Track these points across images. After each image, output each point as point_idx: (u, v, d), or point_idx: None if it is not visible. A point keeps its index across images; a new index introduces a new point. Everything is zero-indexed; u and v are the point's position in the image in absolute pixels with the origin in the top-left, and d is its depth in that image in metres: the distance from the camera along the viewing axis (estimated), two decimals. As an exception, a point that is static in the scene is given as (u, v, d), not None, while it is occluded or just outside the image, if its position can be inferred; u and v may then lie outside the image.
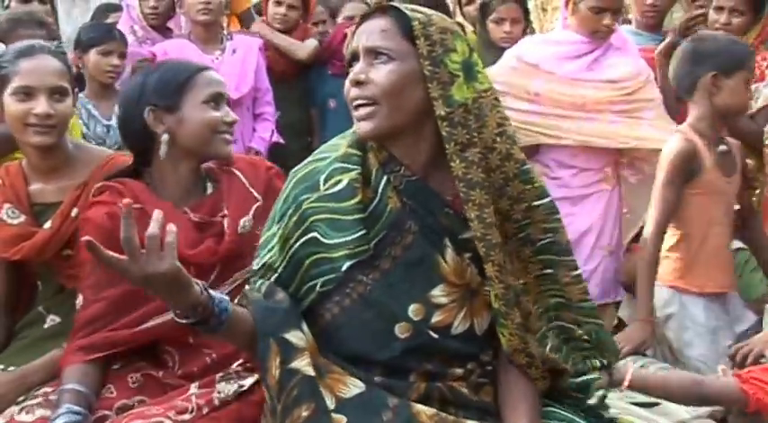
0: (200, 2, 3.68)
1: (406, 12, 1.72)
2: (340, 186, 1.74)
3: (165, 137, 2.08)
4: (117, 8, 4.08)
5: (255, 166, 2.22)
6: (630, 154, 3.31)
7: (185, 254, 1.94)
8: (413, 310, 1.73)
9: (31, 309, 2.34)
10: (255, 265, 1.83)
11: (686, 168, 2.85)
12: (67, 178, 2.26)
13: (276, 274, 1.78)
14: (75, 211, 2.21)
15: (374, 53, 1.71)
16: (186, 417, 1.86)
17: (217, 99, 2.14)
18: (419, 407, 1.70)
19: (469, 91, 1.70)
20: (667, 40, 3.47)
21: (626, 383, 2.29)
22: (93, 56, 3.55)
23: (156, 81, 2.13)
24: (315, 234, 1.75)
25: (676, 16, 3.98)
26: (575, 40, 3.27)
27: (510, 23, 3.73)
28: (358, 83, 1.71)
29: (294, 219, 1.77)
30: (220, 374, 1.97)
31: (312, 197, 1.76)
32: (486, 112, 1.71)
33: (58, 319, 2.30)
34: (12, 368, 2.19)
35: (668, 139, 2.97)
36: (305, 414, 1.66)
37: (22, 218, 2.24)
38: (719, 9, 3.53)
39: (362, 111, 1.71)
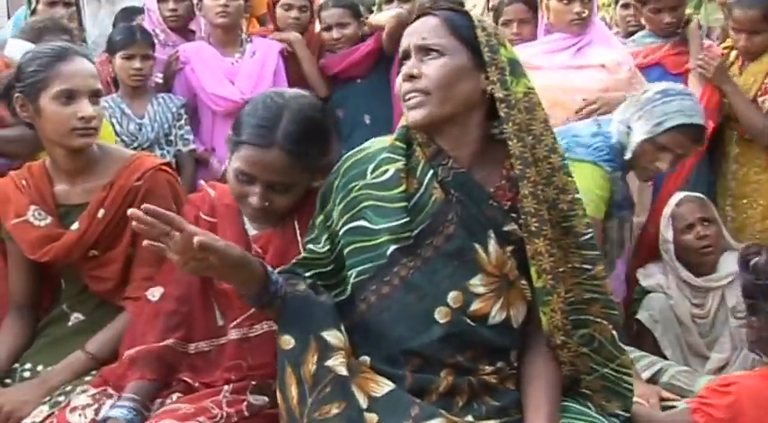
0: (218, 5, 3.66)
1: (457, 9, 1.84)
2: (386, 176, 1.84)
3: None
4: (139, 11, 4.08)
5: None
6: None
7: (226, 289, 2.01)
8: (452, 298, 1.79)
9: (54, 307, 2.37)
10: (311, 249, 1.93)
11: None
12: (92, 180, 2.27)
13: (328, 265, 1.90)
14: (101, 212, 2.23)
15: (425, 50, 1.81)
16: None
17: None
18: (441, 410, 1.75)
19: (520, 85, 1.80)
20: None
21: None
22: (118, 60, 3.59)
23: None
24: (361, 221, 1.84)
25: (713, 18, 3.96)
26: (556, 38, 3.39)
27: (517, 24, 3.69)
28: (411, 77, 1.80)
29: (342, 205, 1.88)
30: (254, 383, 1.97)
31: (359, 184, 1.86)
32: (535, 107, 1.81)
33: (81, 317, 2.33)
34: (40, 367, 2.23)
35: None
36: (335, 411, 1.71)
37: (49, 219, 2.26)
38: (738, 31, 3.50)
39: (413, 100, 1.80)
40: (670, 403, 2.55)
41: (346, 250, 1.86)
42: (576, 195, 1.83)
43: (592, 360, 1.86)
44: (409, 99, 1.81)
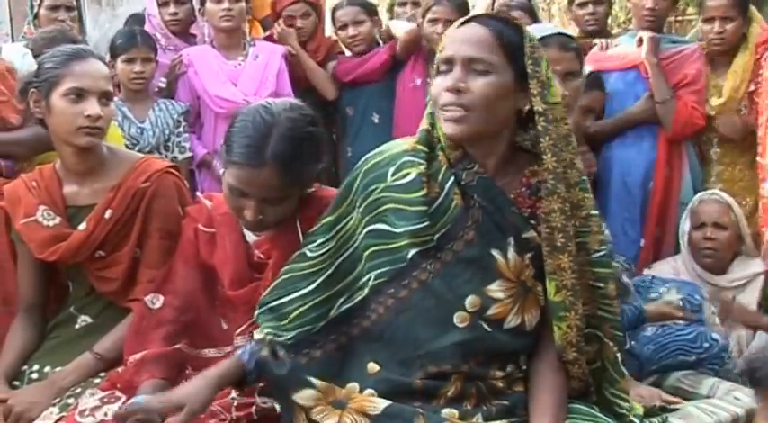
0: (221, 9, 3.66)
1: (510, 20, 1.80)
2: (408, 179, 1.82)
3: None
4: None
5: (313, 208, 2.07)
6: None
7: (229, 296, 2.04)
8: (470, 302, 1.79)
9: (61, 309, 2.38)
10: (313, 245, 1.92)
11: None
12: (101, 181, 2.29)
13: (327, 270, 1.89)
14: (108, 213, 2.25)
15: (472, 63, 1.76)
16: None
17: None
18: (447, 410, 1.76)
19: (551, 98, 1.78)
20: (647, 38, 3.50)
21: None
22: (119, 64, 3.58)
23: None
24: (382, 225, 1.83)
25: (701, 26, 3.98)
26: None
27: None
28: (456, 90, 1.76)
29: (362, 207, 1.86)
30: (261, 385, 1.96)
31: (380, 187, 1.84)
32: (558, 122, 1.78)
33: (89, 320, 2.34)
34: (47, 369, 2.24)
35: None
36: None
37: (58, 220, 2.28)
38: (710, 20, 3.51)
39: (454, 114, 1.77)
40: (672, 406, 2.56)
41: (366, 253, 1.85)
42: (591, 211, 1.81)
43: (593, 379, 1.86)
44: (448, 111, 1.77)
